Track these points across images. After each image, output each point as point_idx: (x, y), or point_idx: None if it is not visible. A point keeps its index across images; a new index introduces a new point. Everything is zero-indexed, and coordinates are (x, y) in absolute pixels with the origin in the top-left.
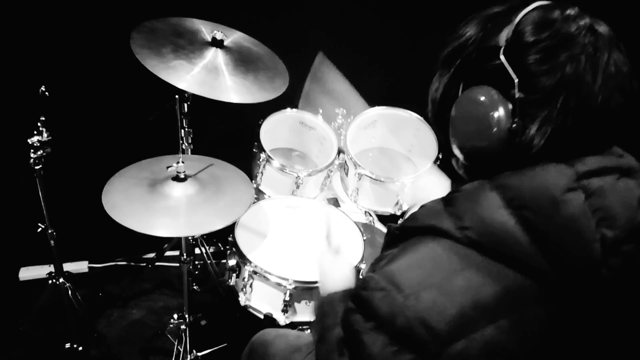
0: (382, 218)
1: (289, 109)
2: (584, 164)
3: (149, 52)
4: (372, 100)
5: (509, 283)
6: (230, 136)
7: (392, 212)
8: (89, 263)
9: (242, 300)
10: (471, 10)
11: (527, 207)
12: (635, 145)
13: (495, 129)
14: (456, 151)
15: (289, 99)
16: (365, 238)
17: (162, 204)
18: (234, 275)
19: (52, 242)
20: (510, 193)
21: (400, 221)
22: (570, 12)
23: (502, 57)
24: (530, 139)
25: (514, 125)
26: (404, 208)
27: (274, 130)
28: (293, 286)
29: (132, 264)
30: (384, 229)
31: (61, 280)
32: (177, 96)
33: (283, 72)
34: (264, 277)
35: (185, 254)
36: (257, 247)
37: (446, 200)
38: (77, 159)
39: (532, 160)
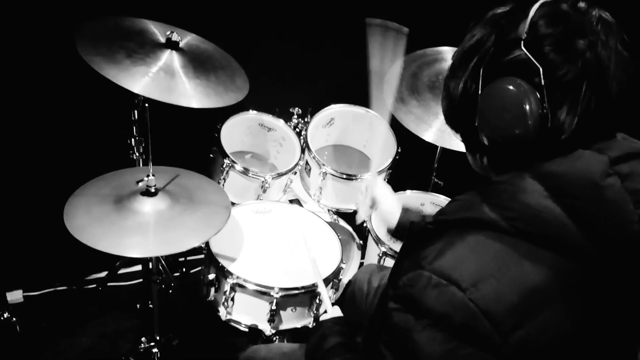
0: (343, 215)
1: (251, 111)
2: (611, 149)
3: (99, 56)
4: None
5: (558, 268)
6: (181, 142)
7: (355, 209)
8: (24, 292)
9: (223, 314)
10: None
11: (570, 194)
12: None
13: (529, 117)
14: (486, 142)
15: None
16: (340, 237)
17: (134, 221)
18: (213, 289)
19: None
20: (552, 181)
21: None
22: (580, 4)
23: (523, 49)
24: (561, 124)
25: (545, 111)
26: None
27: (230, 134)
28: (280, 295)
29: (74, 287)
30: (348, 227)
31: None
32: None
33: (239, 71)
34: (249, 288)
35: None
36: (235, 257)
37: (482, 193)
38: None
39: (562, 147)
